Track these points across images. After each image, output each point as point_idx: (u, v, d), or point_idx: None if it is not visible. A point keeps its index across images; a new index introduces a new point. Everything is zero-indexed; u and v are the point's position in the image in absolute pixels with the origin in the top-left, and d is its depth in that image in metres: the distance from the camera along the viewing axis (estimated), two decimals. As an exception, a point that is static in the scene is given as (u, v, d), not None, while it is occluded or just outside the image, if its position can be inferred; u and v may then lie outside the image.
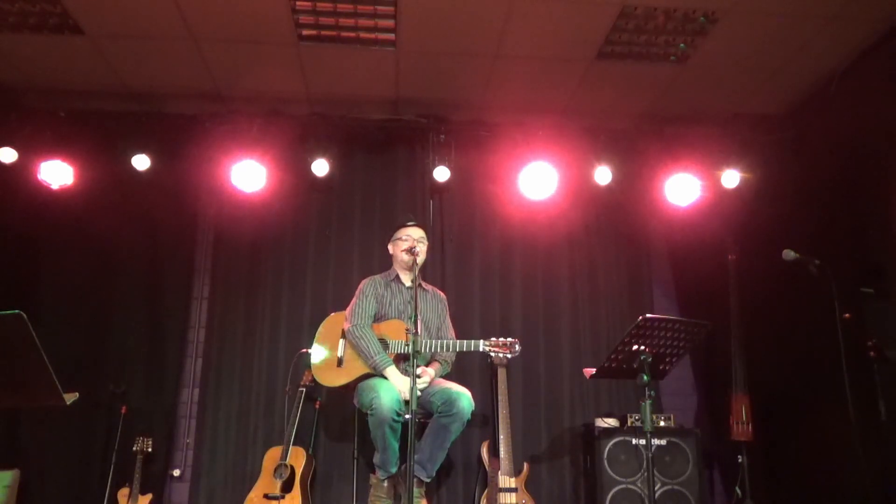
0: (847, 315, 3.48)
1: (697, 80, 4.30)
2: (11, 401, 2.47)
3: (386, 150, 4.90)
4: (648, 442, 3.04)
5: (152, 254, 4.69)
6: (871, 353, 3.52)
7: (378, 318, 3.82)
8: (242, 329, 4.65)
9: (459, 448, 4.31)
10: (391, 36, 3.91)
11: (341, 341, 3.77)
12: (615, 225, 4.99)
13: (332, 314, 3.99)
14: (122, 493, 4.11)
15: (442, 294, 4.13)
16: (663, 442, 4.03)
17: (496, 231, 4.85)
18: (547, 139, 4.57)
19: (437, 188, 4.80)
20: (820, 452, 3.97)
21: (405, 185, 4.87)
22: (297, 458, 4.04)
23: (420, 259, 3.62)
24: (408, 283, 3.91)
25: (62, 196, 4.46)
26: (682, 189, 4.61)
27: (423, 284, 4.03)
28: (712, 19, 3.70)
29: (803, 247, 3.49)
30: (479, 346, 3.59)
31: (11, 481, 3.94)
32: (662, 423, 4.12)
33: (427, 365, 3.81)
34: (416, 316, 3.13)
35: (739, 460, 4.13)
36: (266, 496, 3.89)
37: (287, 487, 3.93)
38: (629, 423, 4.09)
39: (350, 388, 3.71)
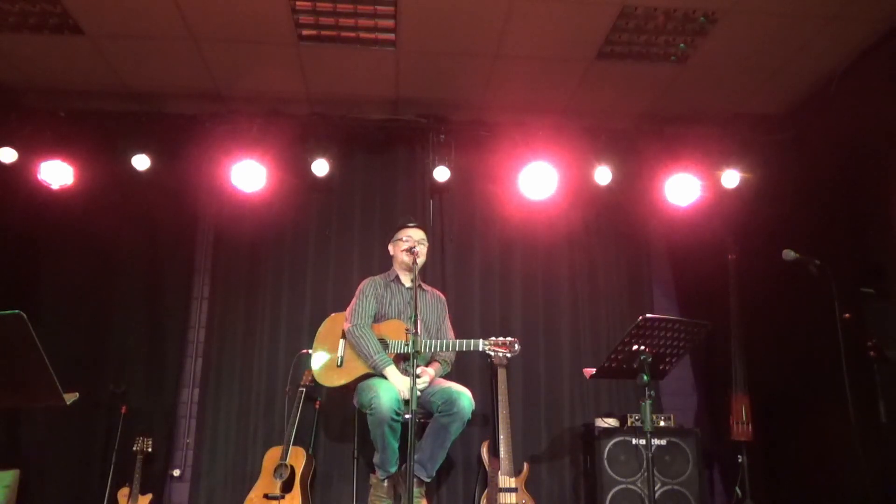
0: (847, 315, 3.48)
1: (697, 80, 4.30)
2: (11, 401, 2.47)
3: (386, 150, 4.91)
4: (648, 442, 3.04)
5: (152, 254, 4.69)
6: (871, 353, 3.52)
7: (378, 319, 3.82)
8: (242, 329, 4.65)
9: (459, 448, 4.31)
10: (391, 36, 3.91)
11: (341, 342, 3.77)
12: (615, 225, 4.99)
13: (333, 315, 3.99)
14: (122, 493, 4.11)
15: (441, 295, 4.13)
16: (663, 442, 4.03)
17: (496, 231, 4.85)
18: (547, 139, 4.57)
19: (437, 188, 4.80)
20: (820, 452, 3.97)
21: (405, 185, 4.87)
22: (297, 458, 4.04)
23: (420, 261, 3.63)
24: (408, 284, 3.92)
25: (62, 196, 4.46)
26: (682, 189, 4.61)
27: (423, 285, 4.03)
28: (712, 19, 3.70)
29: (803, 247, 3.50)
30: (478, 345, 3.59)
31: (11, 481, 3.94)
32: (662, 423, 4.12)
33: (427, 365, 3.81)
34: (415, 316, 3.13)
35: (739, 460, 4.13)
36: (266, 496, 3.89)
37: (287, 487, 3.93)
38: (629, 423, 4.09)
39: (350, 389, 3.71)
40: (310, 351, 3.92)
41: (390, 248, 4.04)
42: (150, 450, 4.21)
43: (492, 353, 3.59)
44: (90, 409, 4.30)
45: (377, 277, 3.98)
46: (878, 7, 3.58)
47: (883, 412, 3.37)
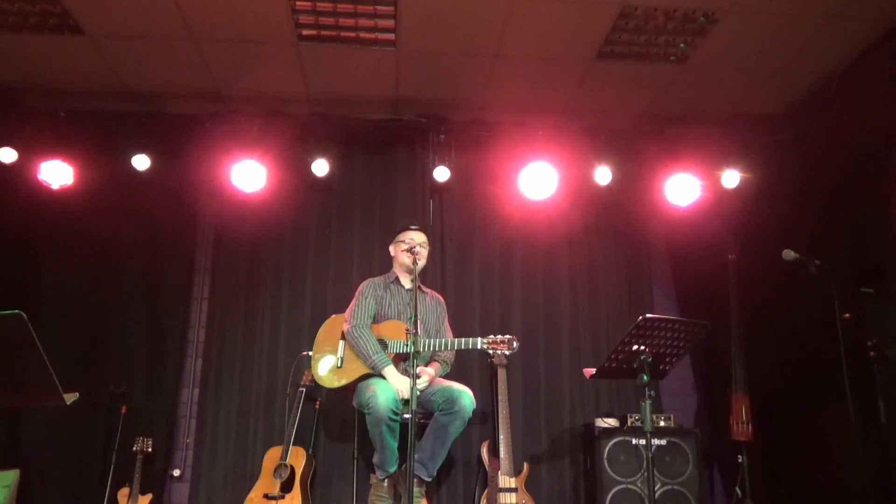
0: (847, 315, 3.48)
1: (697, 80, 4.30)
2: (11, 401, 2.47)
3: (386, 150, 4.91)
4: (648, 442, 3.04)
5: (152, 254, 4.69)
6: (871, 353, 3.52)
7: (377, 320, 3.82)
8: (242, 329, 4.65)
9: (459, 448, 4.31)
10: (391, 36, 3.91)
11: (341, 342, 3.77)
12: (615, 225, 4.99)
13: (333, 316, 3.99)
14: (122, 493, 4.11)
15: (441, 297, 4.13)
16: (663, 442, 4.03)
17: (496, 231, 4.84)
18: (547, 139, 4.57)
19: (437, 188, 4.80)
20: (820, 452, 3.97)
21: (405, 185, 4.87)
22: (297, 458, 4.04)
23: (420, 263, 3.65)
24: (407, 286, 3.92)
25: (62, 196, 4.46)
26: (682, 189, 4.61)
27: (422, 287, 4.03)
28: (712, 19, 3.70)
29: (803, 247, 3.50)
30: (477, 343, 3.59)
31: (11, 481, 3.93)
32: (662, 423, 4.12)
33: (426, 366, 3.81)
34: (415, 316, 3.13)
35: (739, 460, 4.13)
36: (266, 496, 3.89)
37: (287, 487, 3.93)
38: (629, 423, 4.09)
39: (350, 389, 3.71)
40: (309, 353, 3.92)
41: (391, 248, 4.04)
42: (150, 450, 4.21)
43: (490, 351, 3.58)
44: (90, 409, 4.30)
45: (377, 279, 3.98)
46: (878, 7, 3.58)
47: (883, 412, 3.37)
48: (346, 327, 3.77)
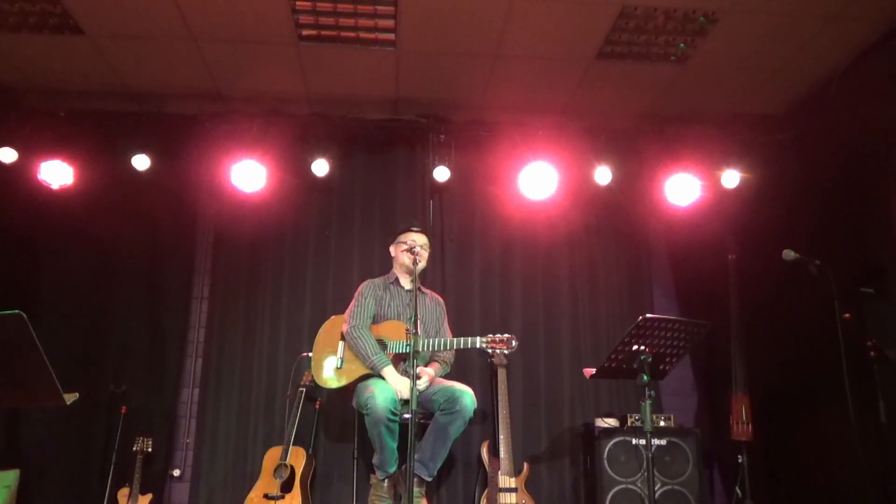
0: (847, 315, 3.48)
1: (697, 80, 4.30)
2: (11, 401, 2.48)
3: (386, 150, 4.90)
4: (648, 442, 3.04)
5: (152, 254, 4.69)
6: (871, 353, 3.52)
7: (377, 320, 3.82)
8: (242, 329, 4.65)
9: (459, 448, 4.31)
10: (391, 36, 3.91)
11: (340, 343, 3.78)
12: (615, 225, 4.99)
13: (333, 317, 3.99)
14: (122, 493, 4.11)
15: (440, 298, 4.14)
16: (663, 442, 4.03)
17: (496, 231, 4.84)
18: (547, 139, 4.57)
19: (437, 188, 4.80)
20: (820, 452, 3.97)
21: (405, 185, 4.87)
22: (297, 458, 4.04)
23: (420, 265, 3.66)
24: (407, 287, 3.92)
25: (62, 196, 4.46)
26: (682, 189, 4.61)
27: (422, 288, 4.04)
28: (712, 19, 3.70)
29: (803, 247, 3.50)
30: (476, 342, 3.59)
31: (12, 481, 3.94)
32: (662, 423, 4.12)
33: (426, 366, 3.81)
34: (415, 316, 3.13)
35: (739, 460, 4.13)
36: (266, 496, 3.89)
37: (287, 487, 3.93)
38: (629, 423, 4.09)
39: (350, 390, 3.71)
40: (309, 354, 3.93)
41: (392, 249, 4.04)
42: (150, 450, 4.21)
43: (489, 350, 3.58)
44: (90, 409, 4.30)
45: (376, 279, 3.98)
46: (878, 7, 3.58)
47: (883, 412, 3.37)
48: (345, 328, 3.77)
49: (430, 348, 3.75)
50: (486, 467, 3.97)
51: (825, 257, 3.42)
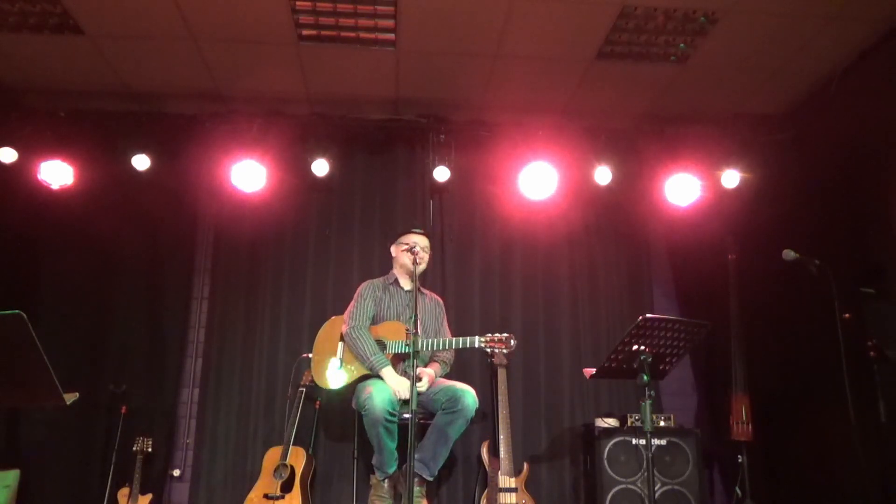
0: (847, 315, 3.48)
1: (697, 80, 4.30)
2: (11, 401, 2.48)
3: (386, 150, 4.90)
4: (648, 442, 3.04)
5: (152, 254, 4.69)
6: (871, 353, 3.52)
7: (376, 321, 3.83)
8: (242, 329, 4.65)
9: (459, 448, 4.31)
10: (391, 36, 3.91)
11: (340, 344, 3.78)
12: (615, 225, 4.99)
13: (333, 318, 4.00)
14: (122, 493, 4.11)
15: (439, 298, 4.14)
16: (663, 442, 4.03)
17: (496, 231, 4.84)
18: (547, 139, 4.57)
19: (437, 188, 4.80)
20: (820, 452, 3.97)
21: (405, 185, 4.87)
22: (297, 458, 4.04)
23: (421, 267, 3.66)
24: (407, 287, 3.93)
25: (62, 196, 4.46)
26: (682, 189, 4.61)
27: (421, 289, 4.04)
28: (712, 19, 3.70)
29: (803, 247, 3.49)
30: (475, 342, 3.59)
31: (12, 481, 3.94)
32: (662, 423, 4.12)
33: (426, 366, 3.81)
34: (415, 316, 3.13)
35: (739, 460, 4.13)
36: (266, 496, 3.89)
37: (287, 487, 3.93)
38: (629, 423, 4.09)
39: (350, 390, 3.71)
40: (310, 355, 3.93)
41: (393, 249, 4.04)
42: (150, 450, 4.21)
43: (488, 350, 3.58)
44: (90, 409, 4.30)
45: (376, 280, 3.99)
46: (878, 7, 3.58)
47: (883, 412, 3.37)
48: (344, 329, 3.77)
49: (430, 348, 3.76)
50: (486, 467, 3.97)
51: (825, 257, 3.42)
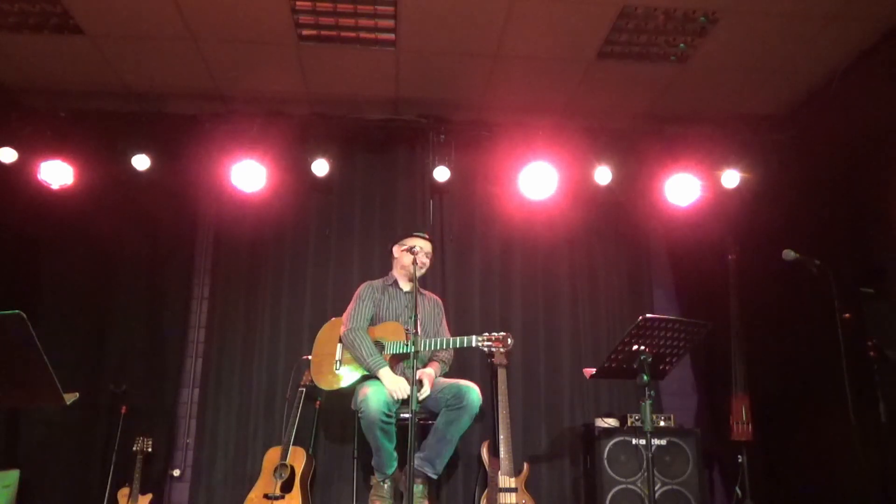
0: (847, 315, 3.48)
1: (697, 80, 4.30)
2: (11, 401, 2.47)
3: (386, 150, 4.90)
4: (648, 442, 3.04)
5: (152, 254, 4.69)
6: (871, 353, 3.52)
7: (375, 322, 3.82)
8: (242, 329, 4.65)
9: (459, 448, 4.27)
10: (391, 36, 3.91)
11: (339, 345, 3.78)
12: (615, 225, 4.99)
13: (332, 319, 4.00)
14: (122, 493, 4.11)
15: (438, 299, 4.14)
16: (663, 442, 4.03)
17: (496, 231, 4.84)
18: (547, 139, 4.56)
19: (437, 188, 4.80)
20: (820, 452, 3.97)
21: (405, 185, 4.87)
22: (297, 458, 4.04)
23: (421, 271, 3.66)
24: (406, 289, 3.92)
25: (62, 196, 4.46)
26: (682, 189, 4.60)
27: (421, 290, 4.03)
28: (712, 19, 3.70)
29: (803, 247, 3.49)
30: (472, 341, 3.59)
31: (12, 481, 3.94)
32: (662, 423, 4.11)
33: (425, 366, 3.81)
34: (416, 316, 3.13)
35: (739, 460, 4.13)
36: (266, 496, 3.89)
37: (287, 487, 3.93)
38: (629, 423, 4.09)
39: (350, 391, 3.71)
40: (309, 357, 3.93)
41: (395, 250, 4.01)
42: (150, 450, 4.21)
43: (485, 349, 3.58)
44: (90, 409, 4.31)
45: (375, 282, 3.98)
46: (878, 7, 3.58)
47: (883, 412, 3.37)
48: (342, 330, 3.77)
49: (428, 348, 3.75)
50: (486, 467, 3.97)
51: (825, 257, 3.42)
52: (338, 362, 3.73)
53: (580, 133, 4.65)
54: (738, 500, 4.13)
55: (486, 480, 3.95)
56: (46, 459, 4.26)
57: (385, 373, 3.56)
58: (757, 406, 4.23)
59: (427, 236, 3.98)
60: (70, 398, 2.49)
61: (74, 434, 4.32)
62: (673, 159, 4.62)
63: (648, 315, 2.95)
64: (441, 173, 4.58)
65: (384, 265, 4.26)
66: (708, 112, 4.67)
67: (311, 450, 4.24)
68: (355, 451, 4.03)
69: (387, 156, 4.91)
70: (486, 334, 3.59)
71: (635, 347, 3.00)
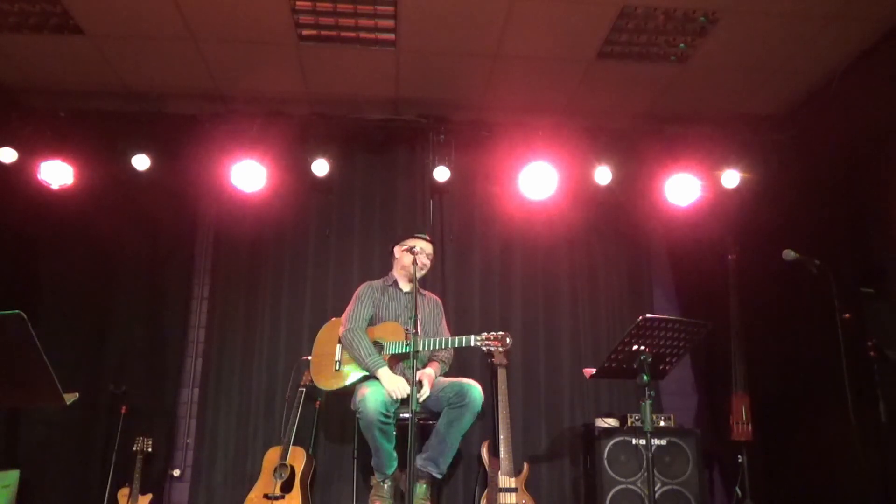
0: (847, 315, 3.48)
1: (697, 80, 4.30)
2: (11, 401, 2.47)
3: (386, 150, 4.90)
4: (648, 442, 3.04)
5: (152, 254, 4.69)
6: (871, 353, 3.52)
7: (374, 322, 3.82)
8: (242, 329, 4.65)
9: (460, 448, 4.28)
10: (391, 36, 3.91)
11: (339, 346, 3.78)
12: (615, 225, 4.99)
13: (332, 319, 3.99)
14: (122, 493, 4.11)
15: (438, 299, 4.13)
16: (663, 442, 4.03)
17: (496, 231, 4.85)
18: (547, 139, 4.56)
19: (437, 188, 4.80)
20: (820, 452, 3.97)
21: (405, 185, 4.87)
22: (297, 458, 4.04)
23: (422, 272, 3.67)
24: (406, 289, 3.92)
25: (62, 196, 4.46)
26: (682, 189, 4.61)
27: (420, 290, 4.02)
28: (712, 19, 3.70)
29: (803, 247, 3.50)
30: (470, 340, 3.58)
31: (12, 481, 3.94)
32: (662, 423, 4.12)
33: (425, 366, 3.80)
34: (416, 316, 3.13)
35: (739, 460, 4.13)
36: (266, 496, 3.89)
37: (287, 487, 3.93)
38: (629, 423, 4.09)
39: (350, 391, 3.71)
40: (309, 357, 3.93)
41: (395, 250, 3.99)
42: (150, 450, 4.21)
43: (484, 348, 3.57)
44: (90, 409, 4.31)
45: (375, 282, 3.97)
46: (878, 7, 3.58)
47: (883, 412, 3.37)
48: (341, 331, 3.77)
49: (426, 348, 3.75)
50: (486, 467, 3.97)
51: (825, 257, 3.42)
52: (337, 362, 3.73)
53: (580, 133, 4.65)
54: (738, 500, 4.13)
55: (486, 480, 3.95)
56: (46, 459, 4.26)
57: (384, 372, 3.56)
58: (757, 406, 4.23)
59: (428, 238, 3.97)
60: (70, 398, 2.49)
61: (74, 434, 4.33)
62: (673, 159, 4.62)
63: (648, 315, 2.95)
64: (441, 173, 4.58)
65: (384, 265, 4.26)
66: (708, 112, 4.67)
67: (311, 450, 4.24)
68: (355, 451, 4.03)
69: (387, 156, 4.91)
70: (485, 334, 3.58)
71: (635, 347, 3.00)
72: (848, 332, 3.37)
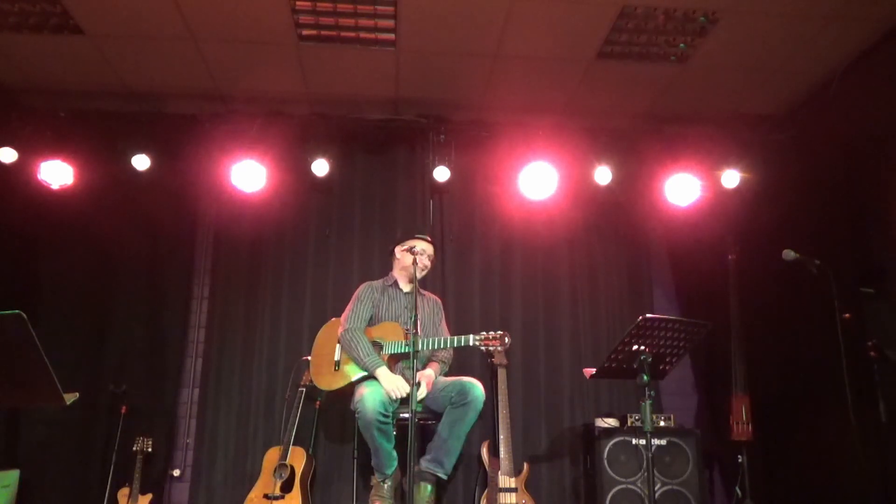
0: (847, 315, 3.48)
1: (697, 80, 4.30)
2: (11, 401, 2.47)
3: (386, 150, 4.90)
4: (648, 442, 3.04)
5: (152, 254, 4.69)
6: (871, 353, 3.52)
7: (374, 323, 3.82)
8: (242, 329, 4.65)
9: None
10: (391, 36, 3.91)
11: (338, 346, 3.78)
12: (615, 225, 4.99)
13: (332, 319, 3.99)
14: (122, 493, 4.11)
15: (438, 299, 4.13)
16: (663, 442, 4.03)
17: (496, 231, 4.85)
18: (547, 139, 4.56)
19: (437, 188, 4.80)
20: (820, 452, 3.97)
21: (405, 185, 4.87)
22: (297, 458, 4.04)
23: (422, 272, 3.66)
24: (406, 289, 3.91)
25: (62, 196, 4.46)
26: (682, 189, 4.61)
27: (420, 290, 4.02)
28: (712, 19, 3.70)
29: (803, 247, 3.50)
30: (469, 340, 3.58)
31: (12, 481, 3.94)
32: (662, 423, 4.11)
33: (425, 366, 3.80)
34: (416, 316, 3.12)
35: (739, 460, 4.13)
36: (266, 496, 3.89)
37: (287, 487, 3.93)
38: (629, 423, 4.09)
39: (349, 391, 3.71)
40: (309, 358, 3.93)
41: (396, 250, 3.98)
42: (150, 450, 4.21)
43: (483, 348, 3.57)
44: (90, 409, 4.31)
45: (375, 282, 3.97)
46: (878, 7, 3.58)
47: (883, 412, 3.37)
48: (340, 331, 3.77)
49: (425, 348, 3.75)
50: (486, 467, 3.97)
51: (825, 257, 3.42)
52: (337, 362, 3.73)
53: (580, 133, 4.65)
54: (738, 500, 4.13)
55: (486, 480, 3.95)
56: (46, 459, 4.27)
57: (382, 372, 3.55)
58: (757, 406, 4.23)
59: (430, 238, 3.97)
60: (70, 398, 2.49)
61: (74, 434, 4.33)
62: (673, 159, 4.62)
63: (648, 315, 2.95)
64: (441, 173, 4.58)
65: (384, 265, 4.26)
66: (708, 112, 4.67)
67: (310, 450, 4.24)
68: (355, 451, 4.02)
69: (387, 156, 4.91)
70: (484, 333, 3.58)
71: (635, 347, 3.00)
72: (848, 333, 3.37)
